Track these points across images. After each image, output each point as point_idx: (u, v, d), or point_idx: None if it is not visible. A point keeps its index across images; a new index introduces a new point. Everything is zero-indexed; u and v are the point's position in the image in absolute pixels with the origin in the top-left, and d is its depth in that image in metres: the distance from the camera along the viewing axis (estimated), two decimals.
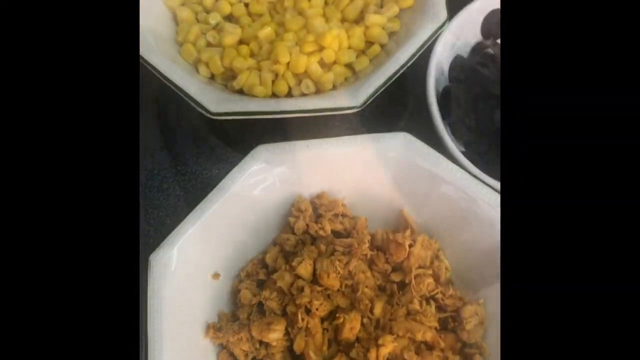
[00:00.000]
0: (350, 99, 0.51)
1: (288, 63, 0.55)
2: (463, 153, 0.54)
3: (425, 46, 0.54)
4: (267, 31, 0.57)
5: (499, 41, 0.58)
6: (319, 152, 0.49)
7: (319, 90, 0.56)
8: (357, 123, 0.62)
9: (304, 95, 0.56)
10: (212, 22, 0.60)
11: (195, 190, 0.60)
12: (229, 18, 0.62)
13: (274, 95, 0.56)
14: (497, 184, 0.48)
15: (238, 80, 0.55)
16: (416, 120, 0.56)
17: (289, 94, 0.57)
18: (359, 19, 0.60)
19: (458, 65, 0.56)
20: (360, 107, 0.51)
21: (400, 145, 0.49)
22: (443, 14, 0.54)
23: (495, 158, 0.54)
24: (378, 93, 0.52)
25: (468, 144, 0.56)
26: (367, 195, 0.51)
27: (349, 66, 0.57)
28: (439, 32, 0.54)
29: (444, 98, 0.53)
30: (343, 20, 0.60)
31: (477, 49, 0.58)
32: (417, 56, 0.53)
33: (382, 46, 0.58)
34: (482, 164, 0.53)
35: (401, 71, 0.53)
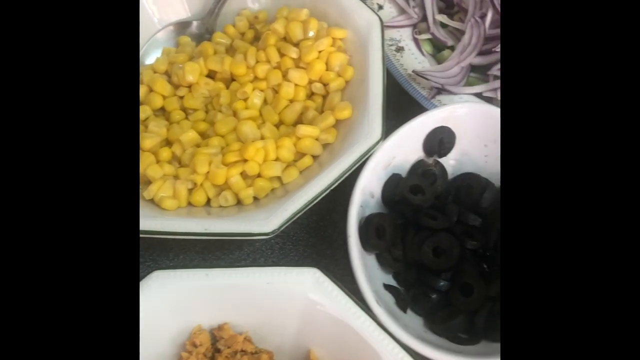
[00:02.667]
0: (261, 224, 0.47)
1: (207, 172, 0.51)
2: (386, 286, 0.49)
3: (355, 166, 0.50)
4: (190, 136, 0.54)
5: (440, 160, 0.54)
6: (222, 281, 0.45)
7: (240, 203, 0.52)
8: (274, 246, 0.58)
9: (221, 207, 0.52)
10: (141, 116, 0.57)
11: None
12: (162, 111, 0.59)
13: (190, 204, 0.52)
14: (411, 340, 0.43)
15: (149, 190, 0.51)
16: (341, 249, 0.52)
17: (207, 204, 0.53)
18: (299, 122, 0.56)
19: (392, 186, 0.52)
20: (271, 234, 0.47)
21: (308, 282, 0.44)
22: (377, 131, 0.50)
23: (422, 296, 0.49)
24: (294, 218, 0.48)
25: (397, 274, 0.51)
26: (275, 330, 0.47)
27: (278, 178, 0.53)
28: (372, 151, 0.50)
29: (367, 227, 0.49)
30: (280, 123, 0.56)
31: (416, 167, 0.54)
32: (342, 178, 0.49)
33: (316, 157, 0.54)
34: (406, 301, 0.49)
35: (322, 195, 0.48)
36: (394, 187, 0.52)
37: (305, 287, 0.44)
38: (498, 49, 0.57)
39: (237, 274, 0.45)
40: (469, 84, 0.60)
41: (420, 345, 0.44)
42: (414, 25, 0.64)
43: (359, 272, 0.46)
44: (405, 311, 0.49)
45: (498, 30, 0.59)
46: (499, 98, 0.58)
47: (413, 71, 0.59)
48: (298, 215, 0.48)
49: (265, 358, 0.46)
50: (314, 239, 0.58)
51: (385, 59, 0.54)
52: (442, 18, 0.62)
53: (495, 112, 0.52)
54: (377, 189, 0.52)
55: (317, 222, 0.59)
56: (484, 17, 0.59)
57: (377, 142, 0.50)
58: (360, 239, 0.49)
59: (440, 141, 0.53)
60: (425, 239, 0.49)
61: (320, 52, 0.57)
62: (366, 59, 0.55)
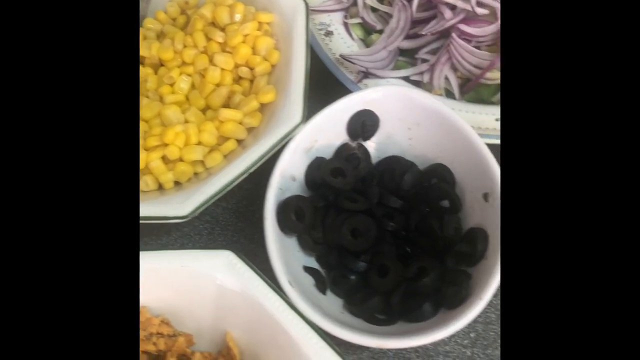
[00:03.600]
0: (177, 208, 0.47)
1: None
2: (306, 268, 0.50)
3: (276, 149, 0.50)
4: None
5: (365, 143, 0.54)
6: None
7: (162, 188, 0.52)
8: (202, 232, 0.58)
9: (142, 192, 0.52)
10: None
11: None
12: None
13: None
14: (328, 324, 0.44)
15: None
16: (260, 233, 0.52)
17: None
18: (226, 106, 0.56)
19: (314, 170, 0.52)
20: (187, 217, 0.47)
21: (221, 265, 0.44)
22: (298, 115, 0.50)
23: (340, 278, 0.49)
24: (212, 201, 0.48)
25: (319, 256, 0.51)
26: (192, 313, 0.47)
27: (202, 163, 0.53)
28: (292, 134, 0.50)
29: (284, 209, 0.49)
30: (207, 108, 0.56)
31: (340, 151, 0.54)
32: (262, 161, 0.49)
33: (240, 142, 0.54)
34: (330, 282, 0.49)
35: (240, 178, 0.48)
36: (316, 170, 0.52)
37: (218, 269, 0.44)
38: (425, 32, 0.58)
39: (151, 257, 0.45)
40: (397, 67, 0.60)
41: (334, 327, 0.44)
42: (345, 10, 0.64)
43: (273, 254, 0.46)
44: (324, 293, 0.49)
45: (425, 14, 0.59)
46: (425, 81, 0.59)
47: (340, 55, 0.59)
48: (216, 198, 0.48)
49: (182, 340, 0.46)
50: (243, 223, 0.58)
51: (309, 43, 0.54)
52: (372, 2, 0.62)
53: (418, 95, 0.53)
54: (299, 172, 0.52)
55: (246, 206, 0.59)
56: (411, 1, 0.59)
57: (298, 125, 0.50)
58: (278, 221, 0.49)
59: (362, 124, 0.53)
60: (344, 221, 0.49)
61: (246, 36, 0.57)
62: (291, 43, 0.55)
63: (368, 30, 0.63)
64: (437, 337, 0.43)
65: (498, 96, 0.57)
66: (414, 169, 0.53)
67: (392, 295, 0.47)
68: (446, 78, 0.58)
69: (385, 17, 0.62)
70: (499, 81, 0.57)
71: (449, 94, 0.59)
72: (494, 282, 0.44)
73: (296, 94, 0.51)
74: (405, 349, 0.51)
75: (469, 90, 0.58)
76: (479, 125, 0.55)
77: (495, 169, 0.48)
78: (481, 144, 0.49)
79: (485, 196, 0.49)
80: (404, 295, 0.47)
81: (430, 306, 0.46)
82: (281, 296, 0.44)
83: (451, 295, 0.46)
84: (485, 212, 0.49)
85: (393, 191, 0.52)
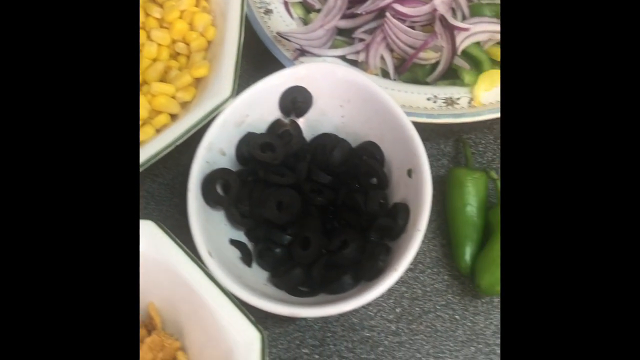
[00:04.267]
0: None
1: None
2: (232, 241, 0.50)
3: (204, 122, 0.50)
4: None
5: (298, 119, 0.55)
6: None
7: None
8: None
9: None
10: None
11: None
12: None
13: None
14: (246, 294, 0.44)
15: None
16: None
17: None
18: (163, 81, 0.56)
19: (244, 144, 0.53)
20: None
21: (143, 235, 0.45)
22: (228, 89, 0.51)
23: (266, 250, 0.50)
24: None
25: (248, 230, 0.52)
26: None
27: None
28: (221, 108, 0.50)
29: (209, 182, 0.49)
30: (143, 83, 0.56)
31: (273, 127, 0.54)
32: (189, 134, 0.49)
33: (174, 116, 0.55)
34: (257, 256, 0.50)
35: (166, 150, 0.49)
36: (245, 145, 0.53)
37: (141, 240, 0.45)
38: (361, 11, 0.58)
39: None
40: (335, 46, 0.61)
41: (252, 297, 0.44)
42: None
43: (193, 225, 0.47)
44: (249, 265, 0.50)
45: None
46: (360, 60, 0.59)
47: (277, 33, 0.59)
48: (142, 169, 0.48)
49: None
50: (178, 198, 0.58)
51: (243, 19, 0.54)
52: None
53: (347, 72, 0.53)
54: (230, 147, 0.53)
55: (182, 182, 0.59)
56: None
57: (227, 99, 0.50)
58: (203, 194, 0.49)
59: (293, 100, 0.54)
60: (270, 195, 0.50)
61: (182, 11, 0.57)
62: (226, 19, 0.55)
63: (308, 9, 0.63)
64: (348, 308, 0.44)
65: (433, 76, 0.58)
66: (343, 146, 0.53)
67: (313, 267, 0.48)
68: (382, 57, 0.59)
69: None
70: (433, 61, 0.58)
71: (385, 74, 0.59)
72: (410, 254, 0.45)
73: (227, 69, 0.52)
74: (331, 323, 0.52)
75: (404, 70, 0.58)
76: (410, 104, 0.55)
77: (419, 145, 0.49)
78: (406, 122, 0.50)
79: (409, 172, 0.50)
80: (325, 268, 0.48)
81: (350, 278, 0.47)
82: (200, 266, 0.44)
83: (369, 267, 0.47)
84: (408, 188, 0.50)
85: (323, 167, 0.52)
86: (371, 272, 0.46)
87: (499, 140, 0.61)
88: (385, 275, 0.45)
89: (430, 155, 0.59)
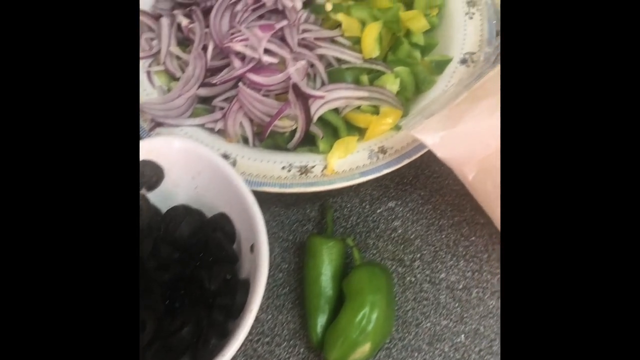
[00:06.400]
0: None
1: None
2: None
3: None
4: None
5: (148, 193, 0.54)
6: None
7: None
8: None
9: None
10: None
11: None
12: None
13: None
14: None
15: None
16: None
17: None
18: None
19: None
20: None
21: None
22: None
23: None
24: None
25: None
26: None
27: None
28: None
29: None
30: None
31: None
32: None
33: None
34: None
35: None
36: None
37: None
38: (216, 81, 0.58)
39: None
40: (195, 115, 0.60)
41: None
42: (153, 56, 0.64)
43: None
44: None
45: (220, 62, 0.60)
46: (217, 129, 0.59)
47: None
48: None
49: None
50: None
51: None
52: (176, 50, 0.62)
53: (192, 145, 0.53)
54: None
55: None
56: (206, 49, 0.59)
57: None
58: None
59: (142, 174, 0.53)
60: None
61: None
62: None
63: (171, 77, 0.63)
64: None
65: (292, 143, 0.58)
66: (192, 219, 0.53)
67: (147, 352, 0.47)
68: (242, 125, 0.59)
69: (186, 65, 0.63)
70: (290, 129, 0.58)
71: (247, 141, 0.59)
72: (240, 336, 0.44)
73: None
74: None
75: (264, 138, 0.58)
76: (265, 174, 0.55)
77: (259, 221, 0.49)
78: (248, 196, 0.50)
79: (252, 247, 0.49)
80: (161, 350, 0.47)
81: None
82: None
83: (203, 350, 0.46)
84: (252, 263, 0.49)
85: (172, 241, 0.51)
86: (204, 355, 0.45)
87: (364, 204, 0.61)
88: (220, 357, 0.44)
89: (295, 221, 0.60)
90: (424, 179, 0.62)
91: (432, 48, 0.65)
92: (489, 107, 0.50)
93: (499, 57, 0.56)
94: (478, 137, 0.50)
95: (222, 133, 0.59)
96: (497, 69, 0.54)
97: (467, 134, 0.50)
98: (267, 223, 0.59)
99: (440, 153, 0.51)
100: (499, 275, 0.57)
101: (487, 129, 0.49)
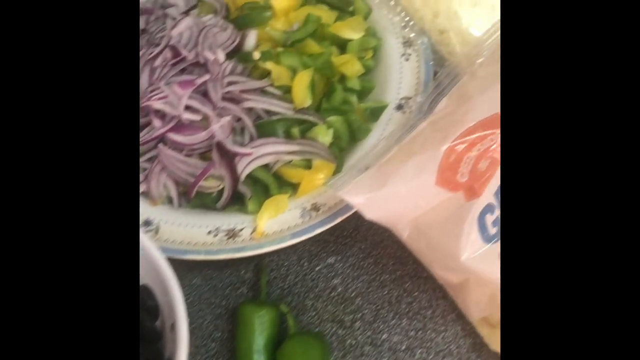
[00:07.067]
0: None
1: None
2: None
3: None
4: None
5: None
6: None
7: None
8: None
9: None
10: None
11: None
12: None
13: None
14: None
15: None
16: None
17: None
18: None
19: None
20: None
21: None
22: None
23: None
24: None
25: None
26: None
27: None
28: None
29: None
30: None
31: None
32: None
33: None
34: None
35: None
36: None
37: None
38: None
39: None
40: None
41: None
42: None
43: None
44: None
45: (142, 121, 0.56)
46: (142, 190, 0.56)
47: None
48: None
49: None
50: None
51: None
52: None
53: None
54: None
55: None
56: None
57: None
58: None
59: None
60: None
61: None
62: None
63: None
64: None
65: (220, 203, 0.55)
66: None
67: None
68: (166, 186, 0.55)
69: None
70: (217, 189, 0.55)
71: (172, 201, 0.56)
72: None
73: None
74: None
75: (190, 198, 0.55)
76: (190, 240, 0.52)
77: (178, 299, 0.45)
78: (166, 271, 0.47)
79: (172, 326, 0.46)
80: None
81: None
82: None
83: None
84: (173, 344, 0.46)
85: None
86: None
87: (302, 261, 0.58)
88: None
89: (229, 284, 0.57)
90: (365, 231, 0.59)
91: (368, 92, 0.62)
92: (417, 165, 0.47)
93: (432, 107, 0.53)
94: (406, 198, 0.47)
95: (145, 195, 0.56)
96: (428, 120, 0.52)
97: (394, 195, 0.47)
98: (199, 288, 0.56)
99: (368, 214, 0.48)
100: (444, 334, 0.54)
101: (415, 189, 0.46)
